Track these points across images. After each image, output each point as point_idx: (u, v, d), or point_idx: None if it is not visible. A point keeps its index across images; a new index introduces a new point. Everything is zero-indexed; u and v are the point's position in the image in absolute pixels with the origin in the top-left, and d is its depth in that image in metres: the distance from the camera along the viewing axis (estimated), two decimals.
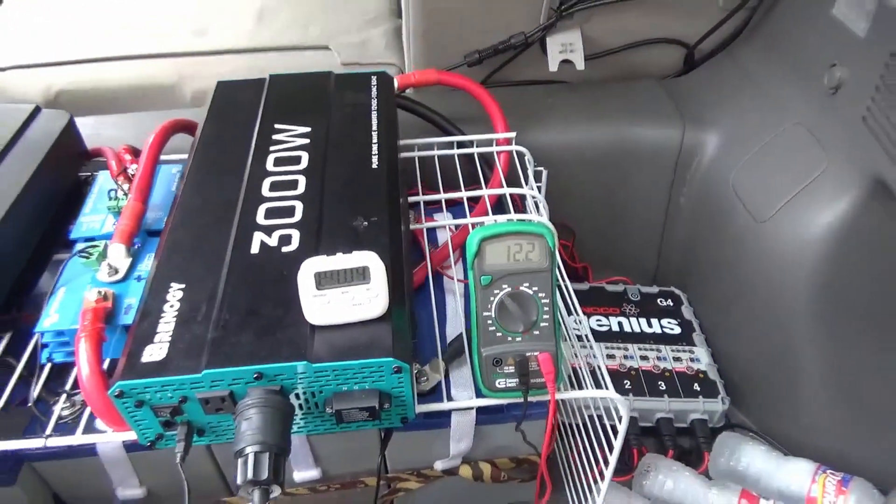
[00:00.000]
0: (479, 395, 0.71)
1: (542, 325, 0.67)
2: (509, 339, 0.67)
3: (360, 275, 0.60)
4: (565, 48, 1.15)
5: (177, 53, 1.32)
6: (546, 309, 0.67)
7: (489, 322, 0.67)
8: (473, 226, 0.96)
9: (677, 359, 1.11)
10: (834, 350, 0.92)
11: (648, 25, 1.16)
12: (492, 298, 0.67)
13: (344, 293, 0.60)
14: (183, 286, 0.66)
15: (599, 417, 0.79)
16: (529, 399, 0.69)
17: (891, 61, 0.81)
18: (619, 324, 1.16)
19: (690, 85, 1.20)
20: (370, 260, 0.60)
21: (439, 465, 0.90)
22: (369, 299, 0.61)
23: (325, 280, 0.60)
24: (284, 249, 0.69)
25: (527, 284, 0.67)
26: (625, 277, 1.27)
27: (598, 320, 1.17)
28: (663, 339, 1.15)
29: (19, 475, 0.81)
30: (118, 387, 0.58)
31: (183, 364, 0.59)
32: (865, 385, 0.87)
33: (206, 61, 1.32)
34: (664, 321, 1.17)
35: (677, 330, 1.16)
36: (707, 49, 1.22)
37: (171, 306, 0.64)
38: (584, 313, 1.18)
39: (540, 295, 0.67)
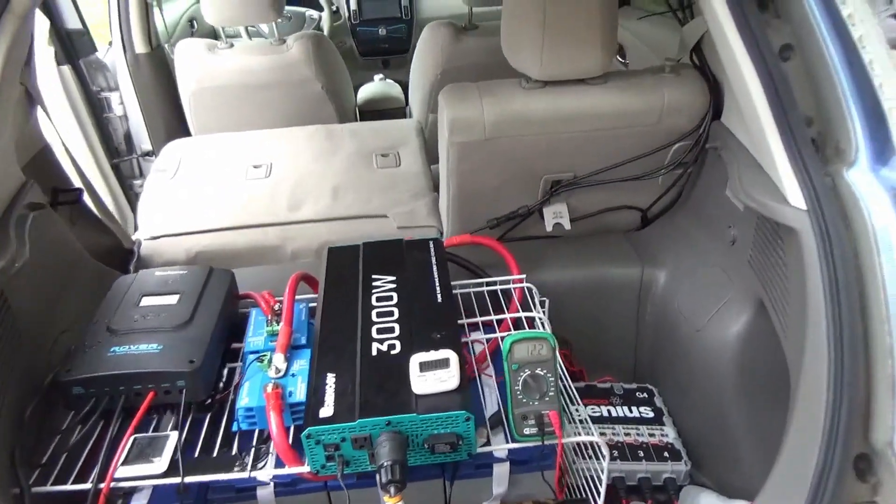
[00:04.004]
0: (513, 440, 1.13)
1: (550, 394, 1.11)
2: (530, 403, 1.11)
3: (444, 363, 1.05)
4: (556, 215, 1.66)
5: (279, 223, 1.84)
6: (552, 384, 1.11)
7: (518, 393, 1.11)
8: (501, 339, 1.42)
9: (651, 434, 1.52)
10: (752, 415, 1.34)
11: (613, 197, 1.68)
12: (519, 378, 1.11)
13: (434, 374, 1.05)
14: (334, 375, 1.10)
15: (592, 479, 1.20)
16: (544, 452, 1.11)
17: (756, 227, 1.30)
18: (609, 411, 1.58)
19: (646, 237, 1.70)
20: (449, 354, 1.06)
21: None
22: (449, 378, 1.05)
23: (424, 366, 1.05)
24: (392, 353, 1.14)
25: (539, 369, 1.11)
26: (611, 377, 1.70)
27: (592, 409, 1.59)
28: (641, 421, 1.56)
29: None
30: (308, 431, 1.01)
31: (344, 417, 1.02)
32: (775, 436, 1.27)
33: (300, 228, 1.83)
34: (641, 409, 1.59)
35: (651, 414, 1.57)
36: (657, 211, 1.73)
37: (330, 386, 1.08)
38: (582, 404, 1.60)
39: (548, 375, 1.11)
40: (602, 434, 1.51)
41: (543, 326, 1.42)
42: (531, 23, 1.39)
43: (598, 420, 1.55)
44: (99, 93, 2.47)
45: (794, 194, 1.09)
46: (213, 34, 3.41)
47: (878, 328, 0.96)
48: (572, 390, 1.27)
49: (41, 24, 2.07)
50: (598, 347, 1.69)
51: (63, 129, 2.31)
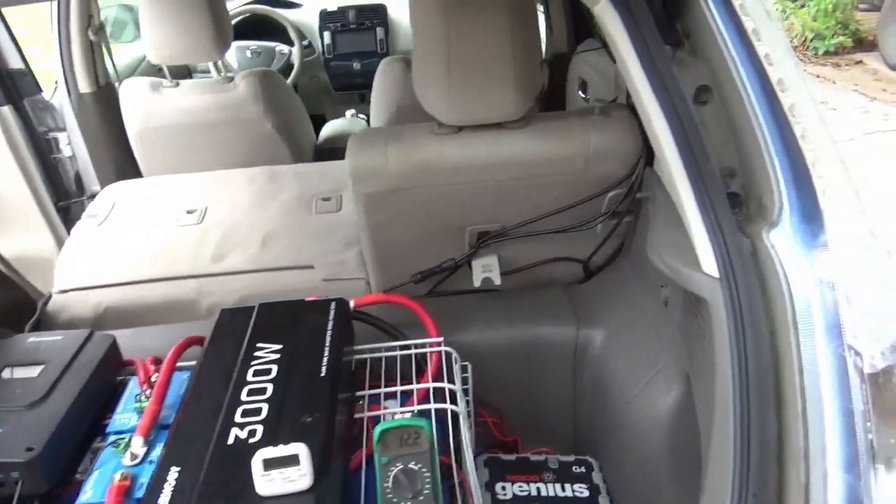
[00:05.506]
0: None
1: (425, 492, 0.96)
2: (402, 503, 0.95)
3: (293, 460, 0.91)
4: (485, 268, 1.52)
5: (197, 275, 1.71)
6: (428, 480, 0.96)
7: (387, 491, 0.96)
8: (403, 414, 1.26)
9: None
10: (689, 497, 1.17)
11: (550, 248, 1.53)
12: (389, 473, 0.96)
13: (281, 473, 0.90)
14: (179, 469, 0.96)
15: None
16: None
17: (685, 290, 1.14)
18: (538, 489, 1.41)
19: (586, 292, 1.54)
20: (300, 449, 0.91)
21: None
22: (300, 476, 0.91)
23: (269, 464, 0.90)
24: (251, 441, 1.00)
25: (414, 463, 0.96)
26: (549, 448, 1.53)
27: (520, 487, 1.42)
28: (574, 501, 1.39)
29: None
30: None
31: None
32: None
33: (221, 280, 1.71)
34: (576, 486, 1.42)
35: (586, 493, 1.40)
36: (600, 262, 1.58)
37: (170, 484, 0.94)
38: (510, 481, 1.44)
39: (423, 470, 0.96)
40: None
41: (455, 400, 1.27)
42: (436, 61, 1.26)
43: (524, 501, 1.39)
44: (46, 133, 2.40)
45: (707, 260, 0.94)
46: (186, 71, 3.36)
47: (792, 425, 0.80)
48: (474, 477, 1.11)
49: None
50: (534, 415, 1.53)
51: (3, 172, 2.24)
